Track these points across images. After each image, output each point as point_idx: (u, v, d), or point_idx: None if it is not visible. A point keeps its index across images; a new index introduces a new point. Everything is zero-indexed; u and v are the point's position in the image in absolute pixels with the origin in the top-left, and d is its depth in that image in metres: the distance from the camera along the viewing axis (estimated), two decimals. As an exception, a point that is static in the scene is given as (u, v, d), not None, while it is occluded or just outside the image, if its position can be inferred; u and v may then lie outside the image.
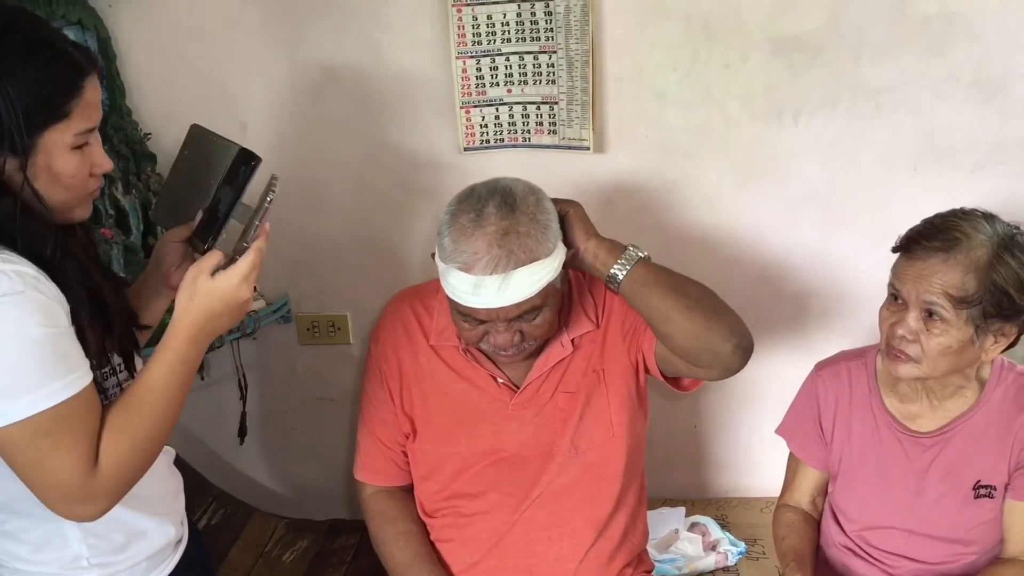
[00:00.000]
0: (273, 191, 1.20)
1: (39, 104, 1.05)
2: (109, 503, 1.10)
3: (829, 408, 1.62)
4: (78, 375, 1.06)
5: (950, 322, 1.36)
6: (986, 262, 1.34)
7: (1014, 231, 1.38)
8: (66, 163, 1.09)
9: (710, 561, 2.10)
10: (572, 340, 1.59)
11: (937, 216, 1.42)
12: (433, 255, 1.50)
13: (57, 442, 1.04)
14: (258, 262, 1.18)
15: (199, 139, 1.26)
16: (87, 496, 1.07)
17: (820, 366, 1.67)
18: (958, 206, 1.98)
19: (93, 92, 1.10)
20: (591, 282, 1.64)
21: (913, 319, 1.39)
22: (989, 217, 1.40)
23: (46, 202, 1.09)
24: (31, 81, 1.04)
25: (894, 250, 1.45)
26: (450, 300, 1.45)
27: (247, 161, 1.26)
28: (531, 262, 1.38)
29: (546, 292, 1.42)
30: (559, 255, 1.43)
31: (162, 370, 1.12)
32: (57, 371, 1.04)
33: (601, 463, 1.63)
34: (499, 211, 1.39)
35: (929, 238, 1.38)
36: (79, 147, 1.10)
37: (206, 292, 1.14)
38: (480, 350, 1.58)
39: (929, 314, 1.38)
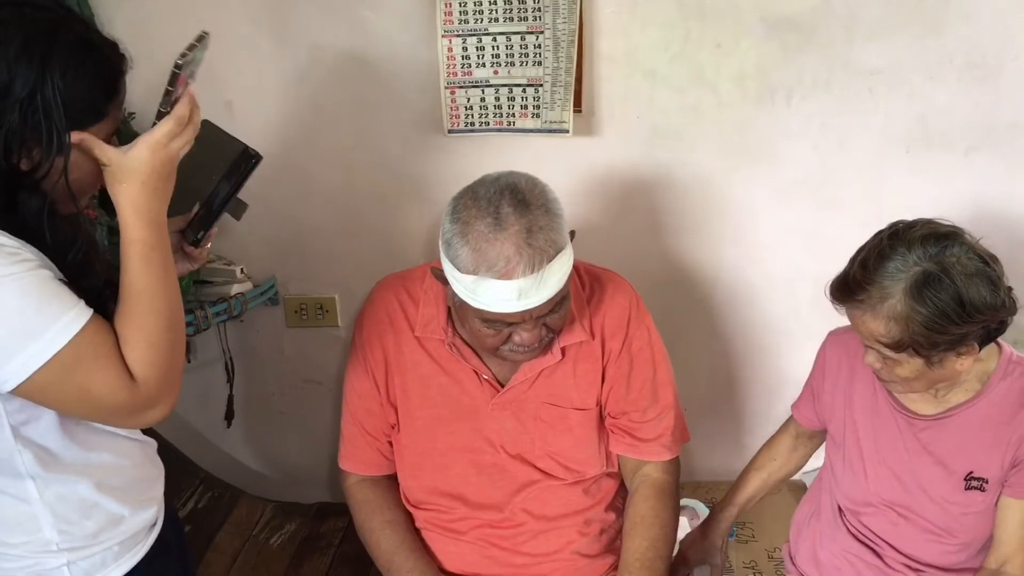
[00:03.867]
0: (187, 54, 1.13)
1: (85, 105, 1.07)
2: (169, 399, 1.13)
3: (832, 372, 1.63)
4: (82, 304, 1.07)
5: (898, 359, 1.38)
6: (900, 312, 1.32)
7: (932, 267, 1.32)
8: (93, 161, 1.11)
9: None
10: (562, 349, 1.57)
11: (859, 258, 1.40)
12: (435, 268, 1.47)
13: (91, 369, 1.05)
14: (176, 130, 1.12)
15: (207, 134, 1.26)
16: (144, 404, 1.10)
17: (832, 333, 1.67)
18: (950, 189, 1.99)
19: (123, 93, 1.13)
20: (591, 293, 1.62)
21: (872, 357, 1.43)
22: (914, 244, 1.34)
23: (78, 200, 1.10)
24: (79, 81, 1.05)
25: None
26: (474, 310, 1.40)
27: (247, 159, 1.27)
28: (557, 254, 1.36)
29: (569, 280, 1.42)
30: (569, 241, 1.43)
31: (138, 265, 1.11)
32: (64, 304, 1.04)
33: (590, 477, 1.64)
34: (516, 210, 1.35)
35: (847, 291, 1.39)
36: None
37: (128, 169, 1.10)
38: (468, 347, 1.57)
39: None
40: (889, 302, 1.33)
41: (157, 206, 1.13)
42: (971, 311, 1.31)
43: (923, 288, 1.31)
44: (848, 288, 1.39)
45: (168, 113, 1.13)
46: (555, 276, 1.36)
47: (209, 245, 1.35)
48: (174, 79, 1.13)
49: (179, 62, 1.12)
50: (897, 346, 1.35)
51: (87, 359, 1.05)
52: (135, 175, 1.10)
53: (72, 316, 1.04)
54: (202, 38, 1.16)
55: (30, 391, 1.04)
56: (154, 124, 1.13)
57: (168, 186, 1.15)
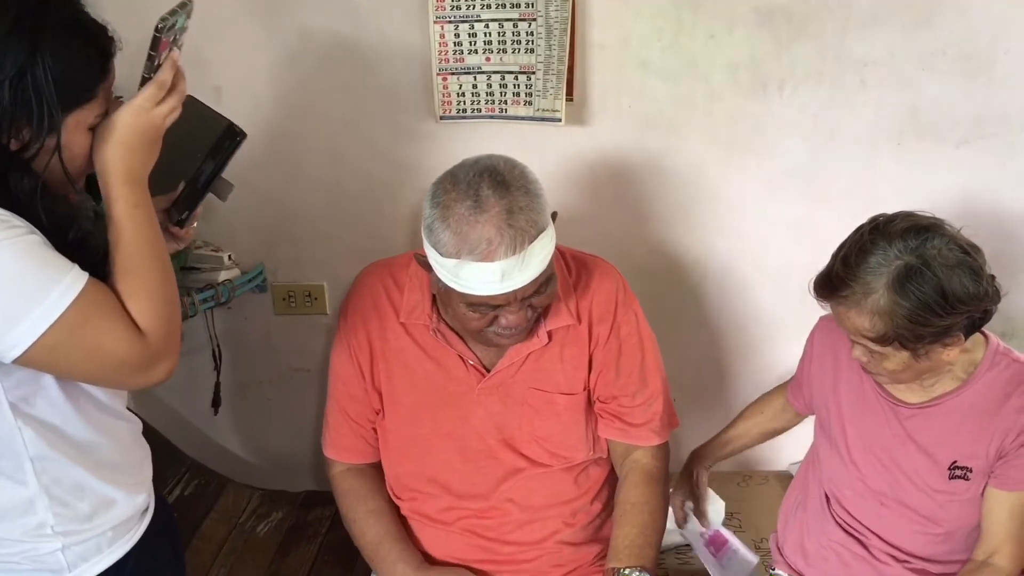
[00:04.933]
0: (167, 18, 1.11)
1: (75, 85, 1.07)
2: (173, 353, 1.14)
3: (819, 357, 1.64)
4: (77, 267, 1.07)
5: (884, 353, 1.39)
6: (884, 306, 1.33)
7: (913, 260, 1.32)
8: (85, 143, 1.11)
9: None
10: (549, 333, 1.57)
11: (840, 254, 1.40)
12: (418, 255, 1.46)
13: (99, 326, 1.06)
14: (158, 94, 1.13)
15: (191, 111, 1.24)
16: (152, 358, 1.10)
17: (823, 318, 1.68)
18: (941, 182, 2.00)
19: (113, 73, 1.12)
20: (577, 278, 1.62)
21: (858, 351, 1.44)
22: (894, 237, 1.35)
23: (74, 182, 1.11)
24: (70, 61, 1.05)
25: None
26: (459, 294, 1.40)
27: (232, 136, 1.26)
28: (539, 234, 1.36)
29: (552, 260, 1.42)
30: (551, 221, 1.42)
31: (125, 222, 1.12)
32: (62, 265, 1.05)
33: (576, 465, 1.63)
34: (495, 191, 1.34)
35: (829, 288, 1.40)
36: (93, 127, 1.12)
37: (108, 129, 1.11)
38: (453, 332, 1.56)
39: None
40: (872, 297, 1.33)
41: (138, 169, 1.14)
42: (954, 302, 1.31)
43: (905, 282, 1.31)
44: (831, 284, 1.39)
45: (151, 79, 1.13)
46: (538, 256, 1.36)
47: (195, 225, 1.34)
48: (155, 43, 1.12)
49: (159, 25, 1.11)
50: (882, 340, 1.36)
51: (94, 316, 1.06)
52: (113, 135, 1.11)
53: (72, 277, 1.04)
54: (184, 4, 1.15)
55: (38, 355, 1.04)
56: (138, 89, 1.13)
57: (151, 151, 1.15)
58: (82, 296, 1.04)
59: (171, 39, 1.13)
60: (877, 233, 1.37)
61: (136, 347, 1.08)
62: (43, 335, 1.02)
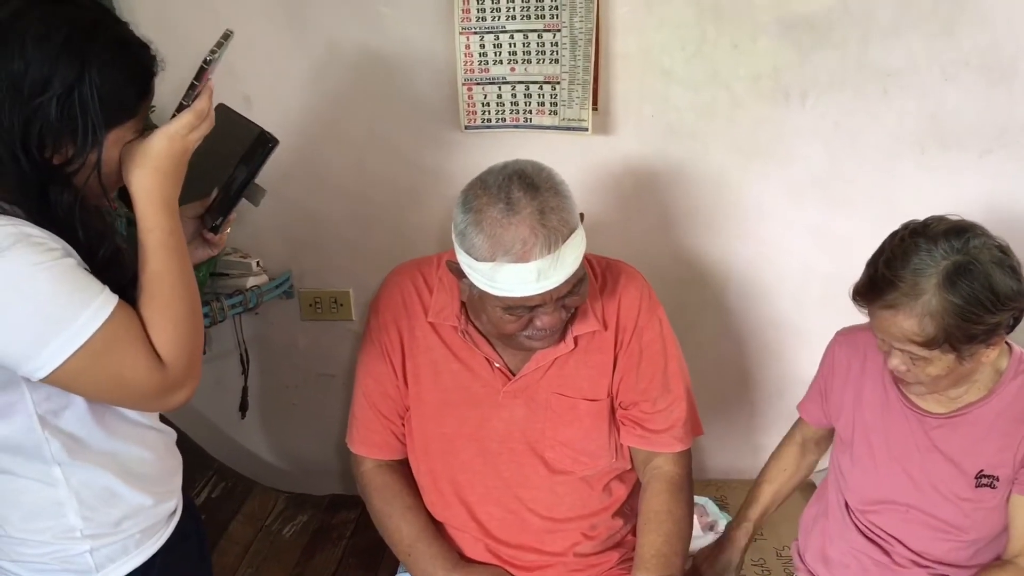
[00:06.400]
0: (215, 51, 1.16)
1: (119, 102, 1.09)
2: (193, 381, 1.16)
3: (841, 371, 1.63)
4: (107, 290, 1.08)
5: (929, 358, 1.37)
6: (936, 306, 1.31)
7: (961, 258, 1.32)
8: (118, 157, 1.13)
9: (707, 541, 2.10)
10: (575, 338, 1.58)
11: (882, 258, 1.39)
12: (449, 262, 1.48)
13: (122, 353, 1.07)
14: (195, 122, 1.15)
15: (223, 118, 1.27)
16: (172, 386, 1.12)
17: (840, 332, 1.67)
18: (964, 190, 1.99)
19: (152, 93, 1.15)
20: (603, 283, 1.63)
21: (897, 360, 1.41)
22: (937, 239, 1.35)
23: (109, 194, 1.14)
24: (116, 79, 1.07)
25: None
26: (495, 298, 1.41)
27: (264, 143, 1.29)
28: (571, 233, 1.38)
29: (584, 260, 1.43)
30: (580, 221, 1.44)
31: (158, 252, 1.13)
32: (91, 291, 1.06)
33: (599, 477, 1.63)
34: (526, 193, 1.36)
35: (875, 293, 1.38)
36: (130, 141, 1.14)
37: (145, 155, 1.13)
38: (481, 335, 1.57)
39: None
40: (923, 298, 1.32)
41: (170, 193, 1.15)
42: (1004, 299, 1.31)
43: (956, 279, 1.31)
44: (876, 289, 1.37)
45: (188, 106, 1.15)
46: (571, 255, 1.38)
47: (228, 231, 1.36)
48: (200, 74, 1.15)
49: (208, 58, 1.15)
50: (931, 343, 1.34)
51: (118, 343, 1.07)
52: (150, 162, 1.12)
53: (100, 302, 1.06)
54: (228, 36, 1.18)
55: (63, 378, 1.06)
56: (173, 115, 1.15)
57: (180, 175, 1.17)
58: (108, 323, 1.05)
59: (213, 70, 1.17)
60: (918, 235, 1.36)
61: (155, 377, 1.10)
62: (68, 359, 1.04)
